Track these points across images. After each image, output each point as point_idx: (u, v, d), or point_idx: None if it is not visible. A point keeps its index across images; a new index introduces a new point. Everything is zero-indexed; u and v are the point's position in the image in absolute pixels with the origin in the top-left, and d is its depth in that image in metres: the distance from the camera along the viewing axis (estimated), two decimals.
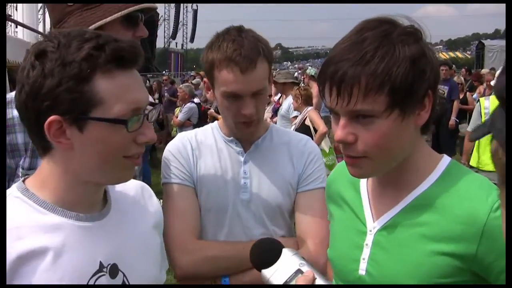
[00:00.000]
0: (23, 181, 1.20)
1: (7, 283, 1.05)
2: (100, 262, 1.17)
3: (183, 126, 8.84)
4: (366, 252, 1.28)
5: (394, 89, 1.12)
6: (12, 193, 1.16)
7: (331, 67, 1.16)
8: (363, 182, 1.38)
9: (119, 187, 1.34)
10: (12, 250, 1.06)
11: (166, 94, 14.46)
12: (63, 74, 1.06)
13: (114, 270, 1.20)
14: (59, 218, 1.14)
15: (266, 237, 1.50)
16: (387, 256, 1.25)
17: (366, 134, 1.16)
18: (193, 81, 14.44)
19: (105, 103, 1.09)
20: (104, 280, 1.17)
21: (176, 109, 10.27)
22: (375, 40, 1.13)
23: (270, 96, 8.40)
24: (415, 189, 1.25)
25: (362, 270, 1.28)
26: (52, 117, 1.07)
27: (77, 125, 1.09)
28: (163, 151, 1.89)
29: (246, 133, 1.79)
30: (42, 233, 1.11)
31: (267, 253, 1.28)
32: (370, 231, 1.30)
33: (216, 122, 1.94)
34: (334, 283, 1.43)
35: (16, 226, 1.09)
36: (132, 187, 1.38)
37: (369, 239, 1.29)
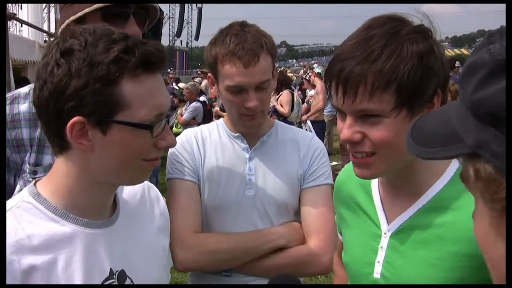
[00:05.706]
0: (35, 184, 1.17)
1: None
2: (110, 269, 1.16)
3: (188, 125, 8.81)
4: (381, 255, 1.26)
5: (401, 88, 1.09)
6: (24, 198, 1.13)
7: (337, 65, 1.13)
8: (374, 185, 1.35)
9: (127, 188, 1.32)
10: (24, 261, 1.04)
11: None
12: (90, 75, 1.02)
13: (122, 276, 1.18)
14: (70, 225, 1.12)
15: (291, 275, 1.48)
16: (403, 259, 1.22)
17: (373, 132, 1.14)
18: (196, 79, 14.44)
19: (131, 107, 1.06)
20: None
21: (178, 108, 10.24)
22: (383, 37, 1.10)
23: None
24: (429, 190, 1.22)
25: (377, 274, 1.25)
26: (75, 118, 1.04)
27: (101, 127, 1.06)
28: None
29: (251, 125, 1.78)
30: (54, 242, 1.09)
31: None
32: (385, 233, 1.27)
33: (221, 119, 1.94)
34: None
35: (28, 235, 1.06)
36: (139, 188, 1.36)
37: (384, 242, 1.26)
